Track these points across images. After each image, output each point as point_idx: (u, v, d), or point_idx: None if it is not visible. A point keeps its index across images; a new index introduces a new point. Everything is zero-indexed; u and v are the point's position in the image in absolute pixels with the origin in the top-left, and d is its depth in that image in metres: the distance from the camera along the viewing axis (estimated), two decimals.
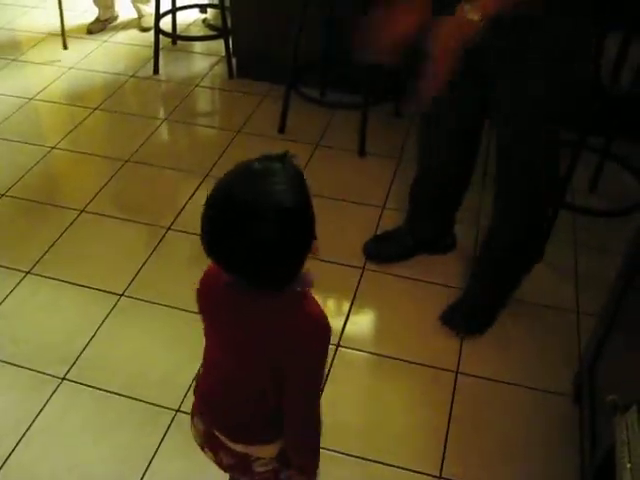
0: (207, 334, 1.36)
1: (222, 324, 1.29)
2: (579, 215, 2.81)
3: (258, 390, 1.29)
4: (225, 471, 1.52)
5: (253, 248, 1.08)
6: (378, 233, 2.66)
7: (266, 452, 1.40)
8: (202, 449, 1.50)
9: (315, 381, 1.26)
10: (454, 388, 2.17)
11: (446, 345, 2.31)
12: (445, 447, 2.01)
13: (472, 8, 1.71)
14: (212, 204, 1.12)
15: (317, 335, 1.21)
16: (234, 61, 3.78)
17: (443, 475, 1.94)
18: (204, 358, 1.42)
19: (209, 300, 1.31)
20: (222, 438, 1.39)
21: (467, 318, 2.35)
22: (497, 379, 2.21)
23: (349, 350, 2.28)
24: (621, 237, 2.16)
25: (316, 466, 1.41)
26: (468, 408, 2.12)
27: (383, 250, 2.58)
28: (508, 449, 2.02)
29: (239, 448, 1.38)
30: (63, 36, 4.10)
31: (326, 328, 1.21)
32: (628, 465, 1.39)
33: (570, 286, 2.53)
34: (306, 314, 1.20)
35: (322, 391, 1.28)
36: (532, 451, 2.01)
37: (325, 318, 1.21)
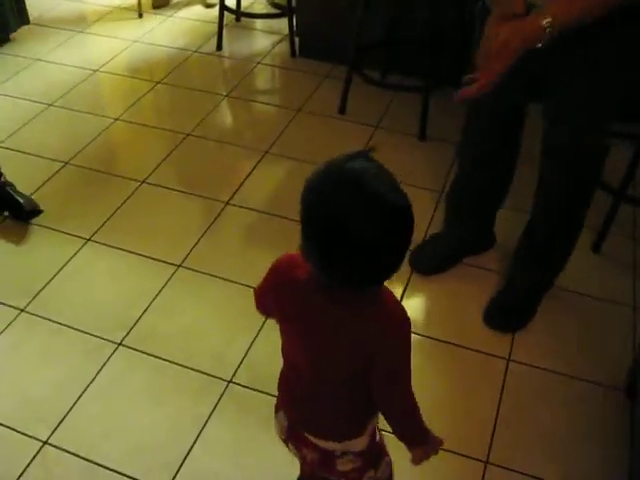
0: (286, 333, 1.34)
1: (307, 325, 1.26)
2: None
3: (345, 389, 1.30)
4: (309, 467, 1.52)
5: (369, 254, 1.07)
6: (420, 243, 2.60)
7: (358, 445, 1.40)
8: (285, 444, 1.50)
9: (408, 369, 1.25)
10: (505, 375, 2.17)
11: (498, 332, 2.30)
12: (493, 434, 2.01)
13: (542, 12, 1.67)
14: (319, 226, 1.08)
15: (403, 324, 1.21)
16: (297, 40, 3.79)
17: (490, 461, 1.95)
18: (284, 355, 1.40)
19: (290, 301, 1.27)
20: (310, 437, 1.40)
21: (506, 316, 2.34)
22: (549, 369, 2.19)
23: None
24: None
25: (425, 438, 1.39)
26: (518, 396, 2.12)
27: (429, 260, 2.54)
28: (555, 441, 2.01)
29: (327, 445, 1.39)
30: (139, 7, 4.18)
31: (407, 316, 1.21)
32: None
33: (628, 280, 2.49)
34: (390, 305, 1.21)
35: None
36: (580, 444, 2.00)
37: (402, 306, 1.23)
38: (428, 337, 2.28)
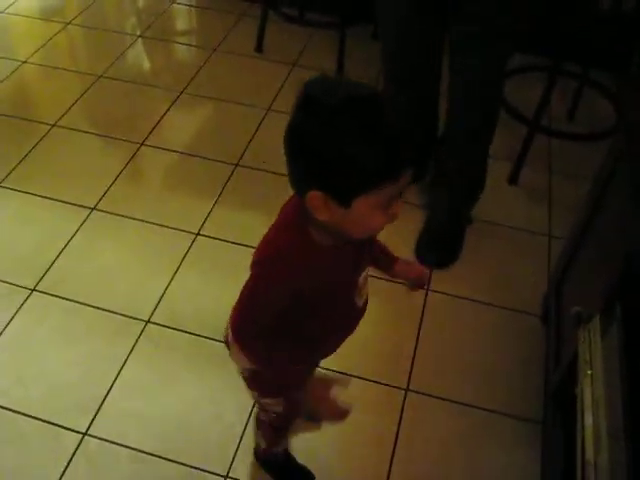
0: None
1: None
2: (555, 140, 2.80)
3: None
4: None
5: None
6: None
7: (235, 356, 1.36)
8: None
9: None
10: (424, 305, 2.19)
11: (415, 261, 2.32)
12: (413, 362, 2.04)
13: None
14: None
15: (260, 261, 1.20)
16: None
17: (410, 388, 1.97)
18: None
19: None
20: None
21: (437, 252, 2.36)
22: (467, 297, 2.23)
23: None
24: (595, 162, 2.15)
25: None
26: (437, 325, 2.15)
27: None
28: (474, 365, 2.05)
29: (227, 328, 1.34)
30: None
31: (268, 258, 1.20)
32: (589, 372, 1.42)
33: (543, 210, 2.54)
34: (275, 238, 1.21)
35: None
36: (499, 367, 2.05)
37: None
38: None
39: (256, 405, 1.68)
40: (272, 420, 1.58)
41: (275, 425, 1.61)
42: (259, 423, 1.68)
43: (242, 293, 1.25)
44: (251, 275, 1.22)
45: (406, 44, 2.21)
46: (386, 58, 2.31)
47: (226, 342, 1.38)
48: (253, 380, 1.44)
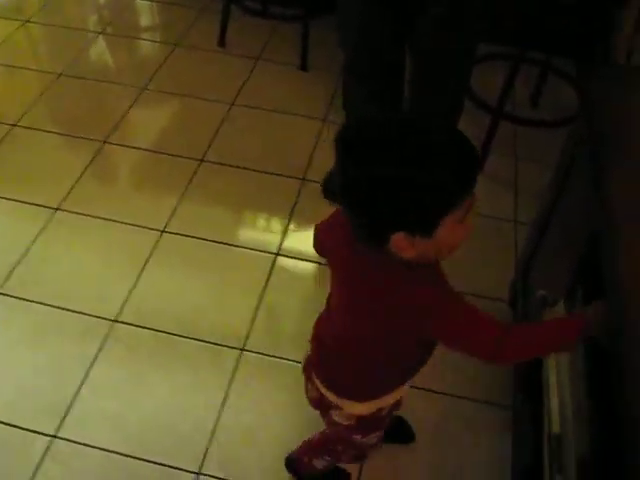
0: (331, 277, 1.29)
1: (347, 283, 1.23)
2: (520, 127, 2.81)
3: (367, 349, 1.27)
4: (309, 402, 1.49)
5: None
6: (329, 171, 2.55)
7: (354, 408, 1.38)
8: (303, 371, 1.47)
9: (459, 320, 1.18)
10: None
11: None
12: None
13: None
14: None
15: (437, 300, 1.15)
16: None
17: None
18: (328, 297, 1.36)
19: (336, 255, 1.24)
20: (316, 379, 1.38)
21: None
22: None
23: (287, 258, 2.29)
24: (559, 148, 2.17)
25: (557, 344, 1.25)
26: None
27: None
28: (446, 353, 2.05)
29: (326, 393, 1.37)
30: None
31: (432, 296, 1.15)
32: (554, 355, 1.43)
33: (509, 196, 2.55)
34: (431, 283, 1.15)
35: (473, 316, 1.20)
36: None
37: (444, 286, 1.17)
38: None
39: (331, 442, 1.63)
40: (358, 452, 1.58)
41: (359, 456, 1.61)
42: (332, 454, 1.65)
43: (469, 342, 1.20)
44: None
45: (368, 36, 2.20)
46: (347, 50, 2.30)
47: (326, 407, 1.41)
48: (360, 426, 1.43)
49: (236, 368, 1.98)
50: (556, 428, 1.34)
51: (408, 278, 1.11)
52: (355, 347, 1.29)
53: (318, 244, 1.34)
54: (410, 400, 1.92)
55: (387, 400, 1.38)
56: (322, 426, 1.56)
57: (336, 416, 1.42)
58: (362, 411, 1.39)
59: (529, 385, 1.71)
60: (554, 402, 1.41)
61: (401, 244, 1.03)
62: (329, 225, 1.26)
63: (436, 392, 1.96)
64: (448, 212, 1.00)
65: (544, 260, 1.91)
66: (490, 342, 1.18)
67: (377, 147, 0.99)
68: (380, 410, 1.40)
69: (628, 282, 1.18)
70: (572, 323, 1.22)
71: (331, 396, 1.37)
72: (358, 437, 1.48)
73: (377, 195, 0.99)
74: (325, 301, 1.37)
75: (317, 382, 1.39)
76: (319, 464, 1.69)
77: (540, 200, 1.95)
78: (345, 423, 1.42)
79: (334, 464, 1.71)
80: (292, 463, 1.76)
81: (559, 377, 1.42)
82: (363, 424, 1.43)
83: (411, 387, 1.91)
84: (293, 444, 1.77)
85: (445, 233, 1.04)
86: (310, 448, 1.70)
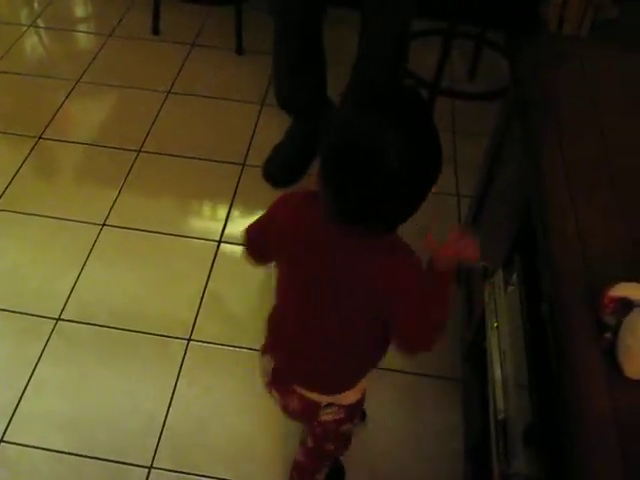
0: (288, 274, 1.26)
1: (315, 263, 1.18)
2: (458, 102, 2.83)
3: (348, 337, 1.25)
4: (287, 416, 1.46)
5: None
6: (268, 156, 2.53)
7: (349, 398, 1.37)
8: (268, 388, 1.43)
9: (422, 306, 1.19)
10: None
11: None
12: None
13: None
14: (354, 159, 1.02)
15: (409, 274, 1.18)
16: None
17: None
18: (282, 299, 1.32)
19: (296, 235, 1.19)
20: (298, 388, 1.34)
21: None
22: None
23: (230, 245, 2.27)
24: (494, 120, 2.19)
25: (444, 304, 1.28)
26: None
27: (284, 168, 2.47)
28: None
29: (315, 397, 1.34)
30: None
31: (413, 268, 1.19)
32: (495, 324, 1.45)
33: (450, 171, 2.57)
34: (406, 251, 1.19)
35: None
36: None
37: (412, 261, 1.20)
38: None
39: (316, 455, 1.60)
40: (346, 441, 1.56)
41: (348, 443, 1.59)
42: (327, 458, 1.62)
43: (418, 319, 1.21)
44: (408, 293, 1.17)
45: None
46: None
47: (314, 412, 1.38)
48: (348, 414, 1.41)
49: (184, 358, 1.96)
50: (500, 401, 1.35)
51: (381, 246, 1.15)
52: (332, 336, 1.27)
53: (256, 246, 1.33)
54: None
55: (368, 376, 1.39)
56: (272, 412, 1.55)
57: (325, 415, 1.38)
58: (354, 398, 1.39)
59: (475, 355, 1.73)
60: (497, 371, 1.42)
61: None
62: (294, 205, 1.23)
63: (387, 369, 1.97)
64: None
65: (485, 231, 1.92)
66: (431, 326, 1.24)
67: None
68: (363, 391, 1.42)
69: (560, 248, 1.20)
70: (441, 280, 1.25)
71: (321, 398, 1.35)
72: (347, 426, 1.46)
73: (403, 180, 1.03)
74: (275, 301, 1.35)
75: (304, 392, 1.35)
76: (322, 474, 1.66)
77: (478, 172, 1.97)
78: (336, 418, 1.40)
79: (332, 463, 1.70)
80: None
81: (501, 345, 1.44)
82: (351, 412, 1.42)
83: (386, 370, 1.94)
84: (245, 431, 1.76)
85: None
86: (307, 473, 1.66)
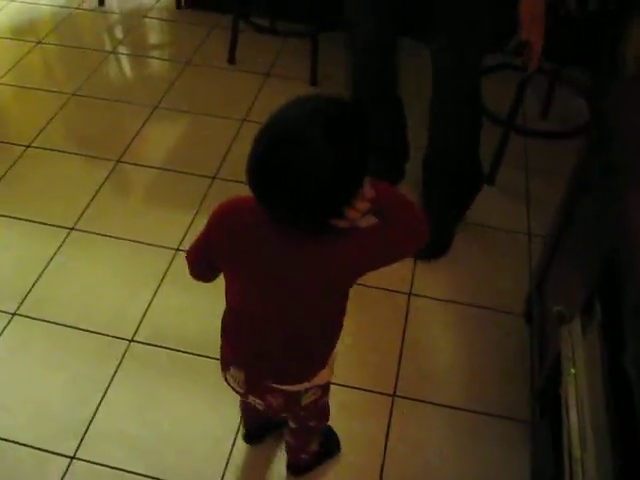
0: (238, 280, 1.29)
1: (265, 265, 1.22)
2: (531, 139, 2.82)
3: (316, 317, 1.29)
4: (273, 413, 1.50)
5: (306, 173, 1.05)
6: None
7: (324, 377, 1.41)
8: (244, 396, 1.48)
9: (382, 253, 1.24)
10: (407, 309, 2.19)
11: (398, 267, 2.31)
12: (399, 367, 2.04)
13: None
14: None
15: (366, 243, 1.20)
16: None
17: (397, 394, 1.97)
18: (231, 304, 1.37)
19: (241, 241, 1.23)
20: (276, 385, 1.38)
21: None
22: (449, 299, 2.23)
23: None
24: (572, 160, 2.17)
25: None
26: (421, 328, 2.15)
27: None
28: (459, 367, 2.06)
29: (295, 388, 1.39)
30: None
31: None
32: (572, 371, 1.43)
33: (522, 209, 2.55)
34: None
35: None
36: (484, 368, 2.05)
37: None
38: None
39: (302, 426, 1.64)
40: (326, 413, 1.64)
41: (327, 413, 1.65)
42: (314, 433, 1.69)
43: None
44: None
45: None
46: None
47: (295, 400, 1.43)
48: (324, 391, 1.48)
49: None
50: (576, 448, 1.33)
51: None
52: (303, 330, 1.31)
53: (198, 263, 1.38)
54: (425, 416, 1.93)
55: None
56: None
57: (306, 399, 1.43)
58: (329, 376, 1.44)
59: (547, 399, 1.71)
60: (573, 418, 1.40)
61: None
62: (225, 228, 1.26)
63: (452, 407, 1.96)
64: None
65: (560, 274, 1.90)
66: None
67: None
68: (332, 365, 1.45)
69: None
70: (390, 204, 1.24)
71: (302, 386, 1.39)
72: (325, 399, 1.53)
73: (331, 177, 1.05)
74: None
75: (283, 387, 1.38)
76: (315, 444, 1.73)
77: (554, 214, 1.95)
78: (315, 398, 1.45)
79: (322, 436, 1.74)
80: (298, 469, 1.79)
81: (578, 391, 1.42)
82: (327, 387, 1.49)
83: (427, 402, 1.94)
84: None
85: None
86: (300, 449, 1.73)
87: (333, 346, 1.41)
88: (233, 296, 1.34)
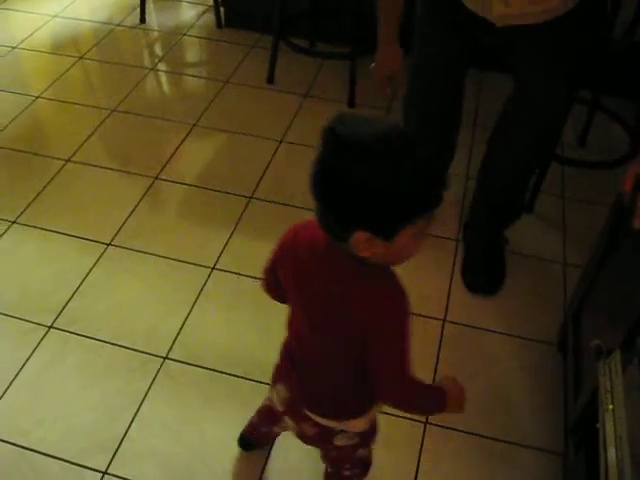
0: (292, 302, 1.32)
1: (307, 293, 1.24)
2: (568, 168, 2.81)
3: (347, 366, 1.27)
4: (304, 442, 1.51)
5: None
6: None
7: (357, 426, 1.40)
8: (281, 416, 1.49)
9: (395, 358, 1.21)
10: (440, 336, 2.18)
11: (433, 293, 2.32)
12: None
13: None
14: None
15: (392, 311, 1.16)
16: (222, 10, 3.71)
17: (429, 421, 1.96)
18: (289, 326, 1.38)
19: (292, 268, 1.25)
20: (310, 414, 1.38)
21: (487, 278, 2.39)
22: (483, 327, 2.22)
23: None
24: (609, 190, 2.16)
25: (440, 405, 1.33)
26: (455, 356, 2.14)
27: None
28: (493, 396, 2.04)
29: (327, 423, 1.38)
30: None
31: (399, 305, 1.16)
32: (610, 407, 1.41)
33: (558, 238, 2.54)
34: (389, 285, 1.17)
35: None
36: (517, 398, 2.04)
37: (399, 295, 1.17)
38: None
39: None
40: (364, 465, 1.59)
41: (367, 467, 1.61)
42: None
43: (386, 364, 1.22)
44: (383, 337, 1.19)
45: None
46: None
47: (328, 437, 1.42)
48: (362, 439, 1.45)
49: None
50: None
51: (363, 276, 1.14)
52: (333, 364, 1.29)
53: (268, 282, 1.39)
54: (456, 444, 1.92)
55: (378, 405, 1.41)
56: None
57: (339, 440, 1.42)
58: (363, 426, 1.40)
59: (582, 433, 1.69)
60: (611, 454, 1.39)
61: (361, 243, 1.06)
62: (282, 251, 1.29)
63: (483, 436, 1.94)
64: (410, 222, 1.04)
65: (597, 306, 1.89)
66: (400, 377, 1.23)
67: (361, 148, 1.00)
68: (374, 419, 1.44)
69: None
70: (443, 400, 1.32)
71: (332, 423, 1.37)
72: (364, 451, 1.50)
73: (351, 189, 1.01)
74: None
75: (314, 417, 1.38)
76: None
77: (592, 244, 1.94)
78: (351, 443, 1.43)
79: None
80: None
81: (616, 428, 1.40)
82: (365, 436, 1.45)
83: (459, 431, 1.93)
84: None
85: (402, 242, 1.07)
86: None
87: (365, 399, 1.37)
88: (291, 316, 1.35)
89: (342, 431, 1.40)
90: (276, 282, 1.34)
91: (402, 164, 0.99)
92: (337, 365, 1.29)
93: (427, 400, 1.32)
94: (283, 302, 1.39)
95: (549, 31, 1.88)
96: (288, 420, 1.48)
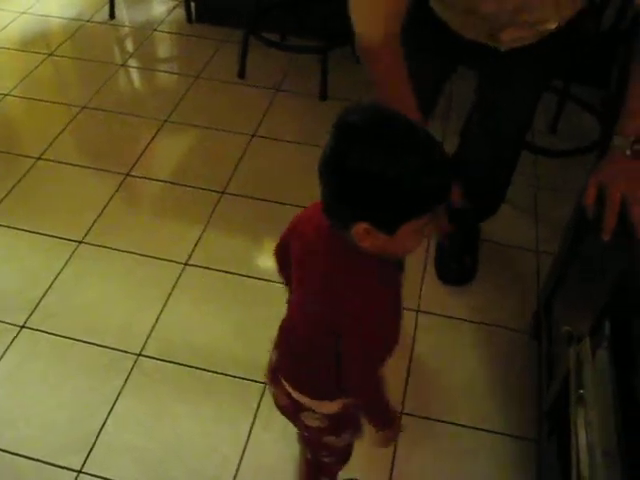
0: (294, 280, 1.32)
1: (304, 276, 1.26)
2: (539, 156, 2.82)
3: (335, 346, 1.26)
4: (280, 412, 1.51)
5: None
6: None
7: (325, 407, 1.39)
8: (268, 382, 1.50)
9: (360, 354, 1.23)
10: (415, 327, 2.19)
11: (406, 284, 2.31)
12: (406, 384, 2.04)
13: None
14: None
15: (361, 312, 1.16)
16: (193, 5, 3.69)
17: (404, 411, 1.97)
18: (289, 304, 1.39)
19: (296, 250, 1.27)
20: (285, 384, 1.39)
21: (459, 268, 2.39)
22: (457, 317, 2.23)
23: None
24: (580, 177, 2.16)
25: (386, 422, 1.38)
26: (428, 346, 2.15)
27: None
28: (468, 384, 2.06)
29: (298, 397, 1.38)
30: None
31: (369, 308, 1.16)
32: (581, 392, 1.42)
33: (530, 225, 2.55)
34: (379, 280, 1.17)
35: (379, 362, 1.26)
36: (492, 386, 2.05)
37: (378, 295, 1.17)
38: None
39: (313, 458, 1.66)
40: (341, 455, 1.60)
41: (344, 457, 1.62)
42: (325, 469, 1.67)
43: (351, 354, 1.23)
44: (354, 327, 1.19)
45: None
46: None
47: (297, 411, 1.42)
48: (331, 425, 1.44)
49: (260, 402, 1.98)
50: (585, 470, 1.33)
51: (356, 265, 1.15)
52: (316, 348, 1.30)
53: (277, 256, 1.40)
54: (431, 433, 1.93)
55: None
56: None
57: (306, 419, 1.42)
58: (332, 409, 1.40)
59: (555, 419, 1.70)
60: (582, 438, 1.40)
61: (362, 234, 1.06)
62: (291, 231, 1.31)
63: (459, 425, 1.95)
64: (413, 217, 1.05)
65: (568, 293, 1.90)
66: (362, 363, 1.25)
67: (375, 137, 1.01)
68: (349, 407, 1.41)
69: None
70: (394, 416, 1.39)
71: (302, 398, 1.38)
72: (331, 438, 1.49)
73: (356, 180, 1.02)
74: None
75: (287, 387, 1.39)
76: None
77: (563, 231, 1.95)
78: (319, 425, 1.43)
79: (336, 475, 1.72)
80: None
81: (587, 413, 1.41)
82: (333, 422, 1.43)
83: (434, 420, 1.93)
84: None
85: (404, 236, 1.07)
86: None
87: (335, 383, 1.35)
88: (290, 295, 1.38)
89: (312, 410, 1.40)
90: (285, 258, 1.34)
91: (408, 160, 1.00)
92: (321, 348, 1.29)
93: (380, 403, 1.34)
94: (287, 283, 1.42)
95: (537, 50, 1.85)
96: (270, 387, 1.49)
